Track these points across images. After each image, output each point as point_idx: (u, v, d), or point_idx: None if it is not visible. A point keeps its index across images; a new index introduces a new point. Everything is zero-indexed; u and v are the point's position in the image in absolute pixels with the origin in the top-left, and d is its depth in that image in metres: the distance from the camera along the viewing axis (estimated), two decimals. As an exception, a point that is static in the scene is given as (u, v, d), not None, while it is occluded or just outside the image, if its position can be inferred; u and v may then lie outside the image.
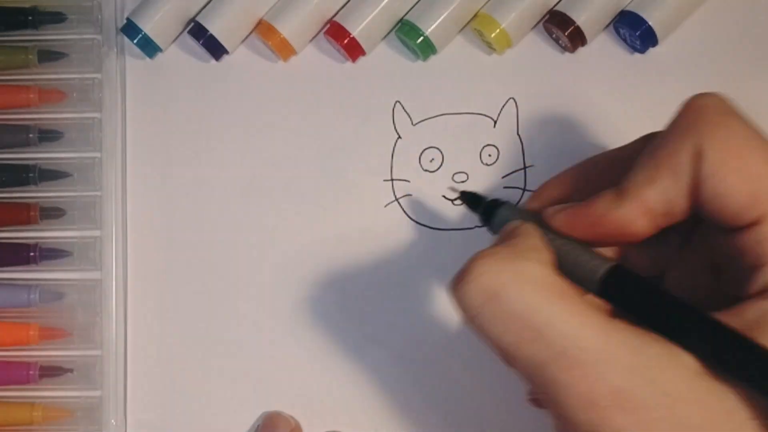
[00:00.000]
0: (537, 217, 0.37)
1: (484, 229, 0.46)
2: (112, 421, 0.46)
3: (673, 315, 0.33)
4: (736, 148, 0.33)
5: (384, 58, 0.48)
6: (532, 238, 0.35)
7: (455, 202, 0.46)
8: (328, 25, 0.47)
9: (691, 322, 0.32)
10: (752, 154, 0.33)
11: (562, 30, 0.45)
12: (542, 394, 0.32)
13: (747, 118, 0.34)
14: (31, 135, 0.47)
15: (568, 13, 0.45)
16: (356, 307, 0.46)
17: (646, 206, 0.34)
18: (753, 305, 0.32)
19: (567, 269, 0.35)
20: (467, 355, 0.46)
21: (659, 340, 0.32)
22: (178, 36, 0.48)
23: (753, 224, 0.33)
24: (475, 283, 0.32)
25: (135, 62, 0.48)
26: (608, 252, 0.37)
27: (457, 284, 0.33)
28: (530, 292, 0.32)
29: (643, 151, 0.35)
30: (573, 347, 0.31)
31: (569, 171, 0.40)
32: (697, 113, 0.34)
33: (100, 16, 0.48)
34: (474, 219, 0.46)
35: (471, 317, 0.32)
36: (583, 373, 0.31)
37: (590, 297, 0.35)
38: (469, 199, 0.42)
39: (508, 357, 0.32)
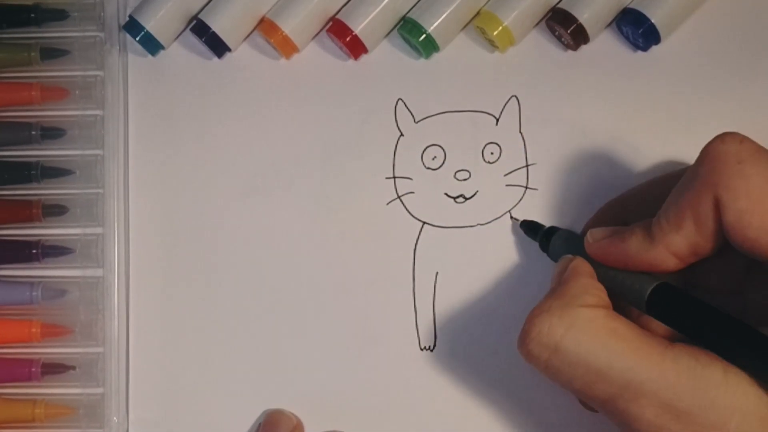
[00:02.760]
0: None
1: (486, 227, 0.46)
2: (114, 418, 0.46)
3: (717, 330, 0.35)
4: (755, 195, 0.34)
5: (386, 55, 0.48)
6: (581, 278, 0.39)
7: (457, 200, 0.46)
8: (331, 23, 0.47)
9: (735, 335, 0.35)
10: None
11: (565, 28, 0.45)
12: (618, 424, 0.36)
13: (765, 160, 0.35)
14: (33, 132, 0.47)
15: (571, 11, 0.45)
16: (358, 305, 0.46)
17: (672, 250, 0.37)
18: None
19: (617, 293, 0.38)
20: (469, 353, 0.46)
21: (716, 360, 0.34)
22: (181, 33, 0.48)
23: None
24: (535, 343, 0.36)
25: (137, 60, 0.48)
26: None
27: (521, 344, 0.37)
28: (585, 339, 0.36)
29: (669, 196, 0.37)
30: (634, 380, 0.34)
31: (626, 194, 0.44)
32: (713, 163, 0.36)
33: (102, 14, 0.48)
34: (476, 217, 0.46)
35: (541, 370, 0.37)
36: (648, 402, 0.34)
37: (647, 325, 0.38)
38: (528, 227, 0.45)
39: (581, 396, 0.37)
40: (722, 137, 0.36)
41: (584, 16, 0.45)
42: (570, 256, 0.41)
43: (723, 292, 0.39)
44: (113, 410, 0.46)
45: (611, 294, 0.38)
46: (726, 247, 0.37)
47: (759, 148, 0.36)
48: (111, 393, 0.46)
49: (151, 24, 0.46)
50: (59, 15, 0.47)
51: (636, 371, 0.34)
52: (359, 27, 0.46)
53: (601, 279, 0.39)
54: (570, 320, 0.36)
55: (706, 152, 0.36)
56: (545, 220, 0.46)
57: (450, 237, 0.46)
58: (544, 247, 0.44)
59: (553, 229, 0.44)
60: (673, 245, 0.36)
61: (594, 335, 0.35)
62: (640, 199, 0.42)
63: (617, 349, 0.35)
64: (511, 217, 0.46)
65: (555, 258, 0.43)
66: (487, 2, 0.46)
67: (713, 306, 0.36)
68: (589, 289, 0.38)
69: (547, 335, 0.36)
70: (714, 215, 0.35)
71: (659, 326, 0.38)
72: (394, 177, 0.47)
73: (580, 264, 0.40)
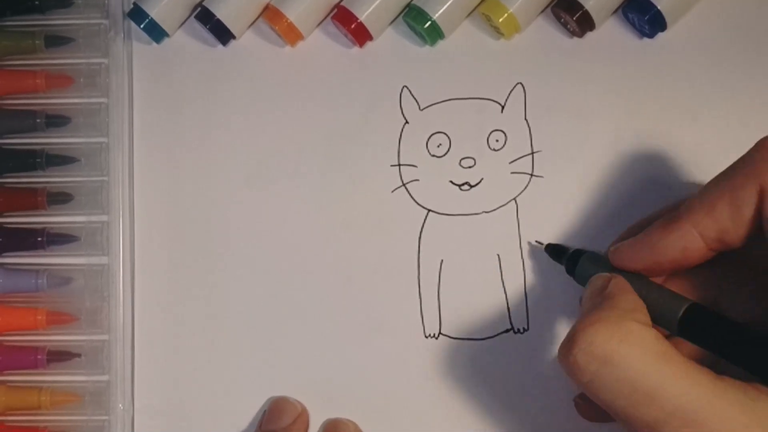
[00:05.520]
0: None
1: (491, 214, 0.46)
2: (120, 405, 0.46)
3: (751, 351, 0.34)
4: None
5: (391, 43, 0.47)
6: (629, 295, 0.37)
7: (462, 188, 0.46)
8: (336, 10, 0.47)
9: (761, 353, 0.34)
10: None
11: (571, 15, 0.45)
12: None
13: None
14: (38, 120, 0.47)
15: (577, -2, 0.45)
16: (363, 293, 0.46)
17: (698, 230, 0.36)
18: None
19: (649, 312, 0.37)
20: (472, 343, 0.46)
21: (764, 394, 0.33)
22: (185, 21, 0.48)
23: None
24: (586, 352, 0.34)
25: (142, 47, 0.48)
26: (700, 291, 0.39)
27: (568, 351, 0.34)
28: (639, 357, 0.34)
29: (706, 185, 0.36)
30: (685, 407, 0.33)
31: (643, 219, 0.42)
32: (766, 151, 0.35)
33: (106, 1, 0.48)
34: (481, 205, 0.46)
35: (584, 383, 0.34)
36: (697, 431, 0.32)
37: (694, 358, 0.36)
38: (552, 250, 0.45)
39: (622, 417, 0.34)
40: None
41: (590, 3, 0.45)
42: (607, 274, 0.39)
43: (738, 309, 0.39)
44: (119, 397, 0.46)
45: None
46: (748, 274, 0.36)
47: None
48: (116, 380, 0.46)
49: (156, 11, 0.46)
50: (63, 2, 0.47)
51: (688, 398, 0.33)
52: (364, 14, 0.45)
53: None
54: (624, 333, 0.34)
55: (762, 144, 0.35)
56: (550, 207, 0.46)
57: (455, 225, 0.46)
58: (571, 271, 0.43)
59: (579, 252, 0.43)
60: (699, 224, 0.35)
61: (647, 352, 0.34)
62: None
63: (671, 372, 0.33)
64: (536, 242, 0.46)
65: (582, 281, 0.41)
66: (493, -11, 0.46)
67: (746, 326, 0.35)
68: (639, 307, 0.36)
69: (600, 345, 0.34)
70: (755, 203, 0.34)
71: (690, 350, 0.37)
72: (399, 164, 0.47)
73: (621, 282, 0.38)
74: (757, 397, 0.33)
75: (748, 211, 0.34)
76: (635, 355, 0.33)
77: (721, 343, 0.35)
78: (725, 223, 0.35)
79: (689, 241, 0.36)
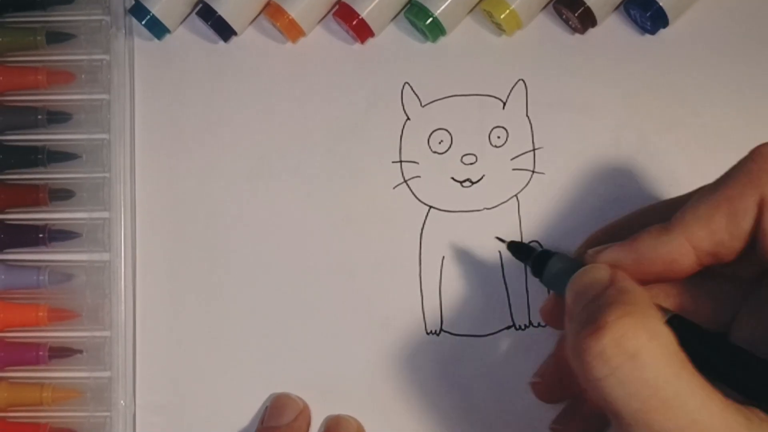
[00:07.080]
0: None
1: (492, 211, 0.46)
2: (122, 401, 0.46)
3: (736, 368, 0.33)
4: None
5: (393, 39, 0.47)
6: (645, 292, 0.34)
7: (464, 184, 0.46)
8: (337, 6, 0.47)
9: (756, 374, 0.33)
10: None
11: (572, 11, 0.45)
12: None
13: None
14: (39, 116, 0.47)
15: (578, -6, 0.45)
16: (364, 289, 0.46)
17: (692, 243, 0.34)
18: None
19: None
20: (474, 339, 0.46)
21: (765, 423, 0.31)
22: (187, 17, 0.48)
23: None
24: (616, 343, 0.31)
25: (143, 43, 0.48)
26: (667, 300, 0.37)
27: (597, 341, 0.31)
28: (664, 360, 0.31)
29: (700, 190, 0.34)
30: (700, 423, 0.30)
31: (616, 221, 0.40)
32: (764, 161, 0.33)
33: (108, -2, 0.48)
34: (482, 201, 0.46)
35: (599, 377, 0.31)
36: None
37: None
38: (517, 249, 0.42)
39: (628, 420, 0.31)
40: None
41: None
42: (608, 266, 0.35)
43: (709, 322, 0.37)
44: (120, 394, 0.46)
45: None
46: (724, 278, 0.35)
47: None
48: (118, 377, 0.46)
49: (157, 8, 0.46)
50: (65, -1, 0.47)
51: (703, 415, 0.31)
52: (366, 10, 0.45)
53: None
54: (652, 331, 0.31)
55: (759, 152, 0.34)
56: (552, 204, 0.46)
57: (456, 221, 0.46)
58: (537, 272, 0.40)
59: (547, 253, 0.40)
60: (694, 236, 0.33)
61: (670, 357, 0.31)
62: (631, 228, 0.38)
63: (689, 383, 0.31)
64: (498, 238, 0.45)
65: (552, 285, 0.40)
66: (494, -15, 0.46)
67: (729, 341, 0.34)
68: (656, 309, 0.33)
69: (631, 339, 0.31)
70: (754, 215, 0.33)
71: None
72: (401, 161, 0.47)
73: (631, 282, 0.34)
74: (759, 426, 0.31)
75: (746, 222, 0.33)
76: (661, 357, 0.31)
77: (705, 356, 0.33)
78: (721, 236, 0.33)
79: (681, 254, 0.34)
